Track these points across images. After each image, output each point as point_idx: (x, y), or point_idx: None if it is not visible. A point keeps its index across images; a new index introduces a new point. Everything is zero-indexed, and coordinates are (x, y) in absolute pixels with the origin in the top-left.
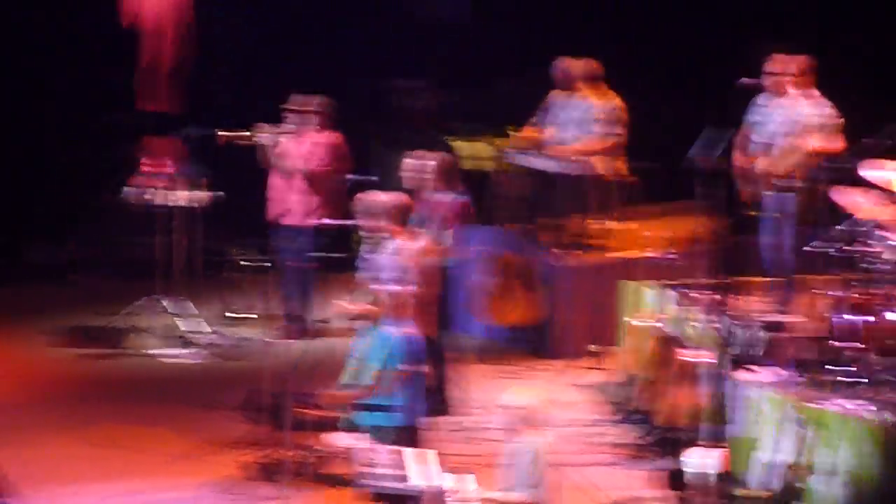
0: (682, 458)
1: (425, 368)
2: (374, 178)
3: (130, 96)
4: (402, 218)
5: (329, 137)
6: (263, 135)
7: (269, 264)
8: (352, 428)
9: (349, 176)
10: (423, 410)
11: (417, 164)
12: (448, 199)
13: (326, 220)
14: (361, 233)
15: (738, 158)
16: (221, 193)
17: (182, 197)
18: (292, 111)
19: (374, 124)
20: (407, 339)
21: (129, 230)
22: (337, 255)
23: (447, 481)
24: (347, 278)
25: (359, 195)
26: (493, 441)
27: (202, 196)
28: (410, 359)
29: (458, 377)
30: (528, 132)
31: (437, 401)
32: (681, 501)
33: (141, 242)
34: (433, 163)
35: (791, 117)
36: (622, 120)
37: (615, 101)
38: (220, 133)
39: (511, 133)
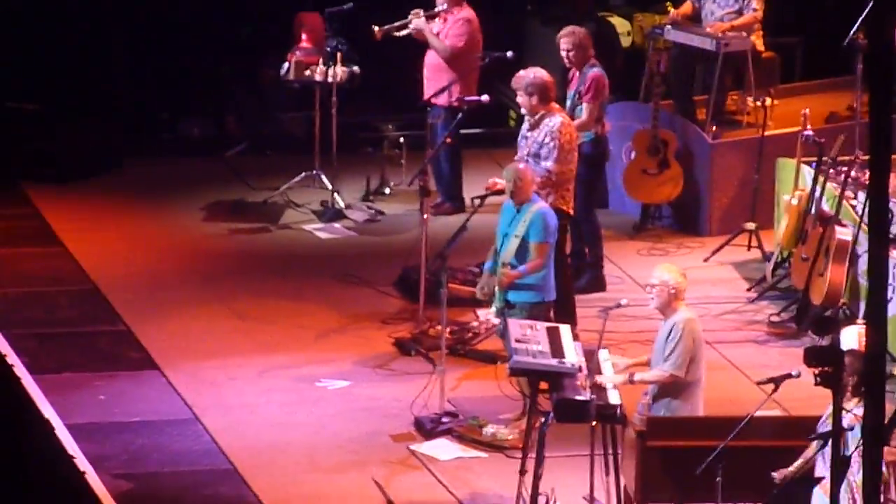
0: (838, 336)
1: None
2: (509, 54)
3: None
4: (553, 95)
5: (464, 13)
6: (419, 20)
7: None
8: (502, 304)
9: (489, 53)
10: (555, 286)
11: (569, 41)
12: (583, 72)
13: (468, 98)
14: (522, 110)
15: None
16: (357, 69)
17: (338, 73)
18: None
19: (529, 1)
20: (544, 213)
21: (287, 105)
22: (481, 132)
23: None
24: (501, 154)
25: (518, 73)
26: (638, 318)
27: (356, 72)
28: (551, 231)
29: (611, 255)
30: (684, 7)
31: (592, 277)
32: (829, 379)
33: (298, 117)
34: (583, 35)
35: None
36: None
37: None
38: (376, 28)
39: (669, 8)
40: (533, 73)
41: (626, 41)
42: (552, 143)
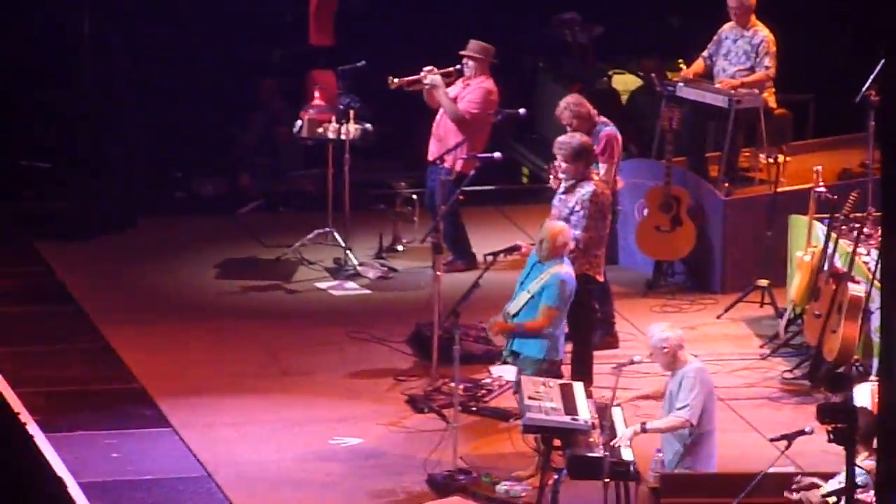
0: (851, 393)
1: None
2: (522, 111)
3: (302, 31)
4: (592, 160)
5: (487, 83)
6: (435, 77)
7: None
8: (514, 361)
9: (502, 111)
10: (563, 346)
11: (571, 113)
12: (597, 131)
13: (481, 155)
14: (560, 175)
15: None
16: (370, 126)
17: (350, 130)
18: (467, 56)
19: (541, 58)
20: (563, 280)
21: (300, 163)
22: (493, 188)
23: (615, 416)
24: (512, 210)
25: (560, 138)
26: (651, 374)
27: (368, 129)
28: (565, 299)
29: (623, 311)
30: (697, 65)
31: (604, 334)
32: (841, 436)
33: (311, 175)
34: (578, 103)
35: None
36: (774, 52)
37: (767, 33)
38: (392, 78)
39: (681, 66)
40: (577, 140)
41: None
42: (582, 211)
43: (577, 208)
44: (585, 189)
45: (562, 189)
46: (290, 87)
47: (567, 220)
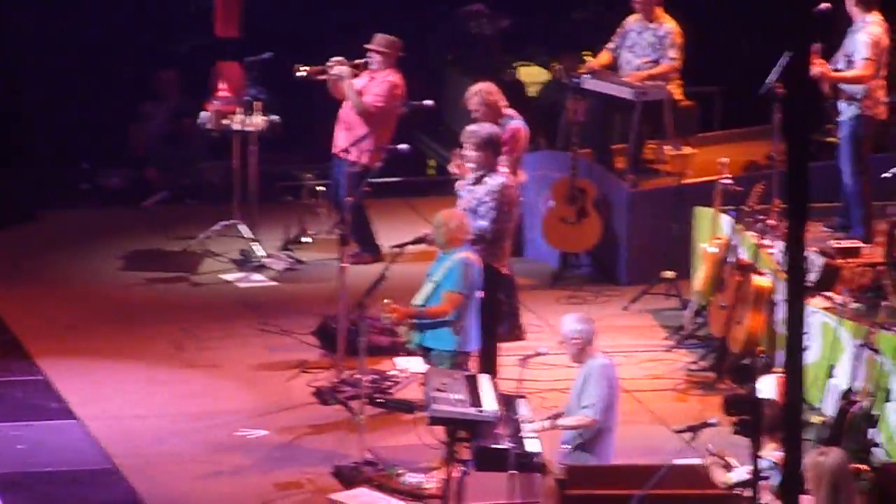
0: (755, 385)
1: (481, 294)
2: (429, 103)
3: (205, 22)
4: (501, 151)
5: (393, 77)
6: (342, 69)
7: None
8: (420, 351)
9: (409, 102)
10: (477, 337)
11: (480, 99)
12: (503, 123)
13: (388, 147)
14: (468, 164)
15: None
16: (277, 118)
17: (257, 122)
18: (373, 50)
19: (449, 50)
20: (467, 264)
21: (205, 155)
22: (400, 180)
23: (520, 407)
24: (420, 202)
25: (468, 126)
26: (557, 366)
27: (275, 121)
28: (468, 283)
29: (529, 303)
30: (602, 57)
31: (510, 327)
32: (747, 428)
33: (217, 167)
34: (489, 92)
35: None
36: (680, 44)
37: (672, 25)
38: (299, 67)
39: (587, 58)
40: (486, 130)
41: (543, 90)
42: (491, 202)
43: (487, 199)
44: (495, 180)
45: (470, 180)
46: (194, 78)
47: (475, 211)
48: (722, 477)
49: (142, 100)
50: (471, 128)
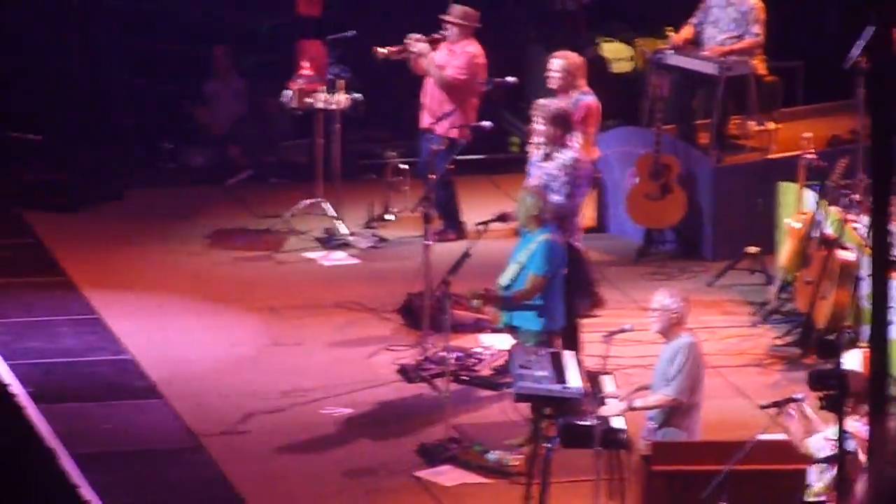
0: (841, 361)
1: (564, 272)
2: (512, 80)
3: (288, 1)
4: (572, 127)
5: (471, 47)
6: (421, 44)
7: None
8: (508, 330)
9: (492, 80)
10: (563, 315)
11: (563, 64)
12: (575, 100)
13: (472, 125)
14: (536, 138)
15: None
16: (360, 96)
17: (340, 100)
18: (449, 22)
19: (532, 26)
20: (551, 246)
21: (290, 133)
22: (483, 157)
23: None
24: (503, 179)
25: (539, 100)
26: (642, 342)
27: (358, 99)
28: (553, 264)
29: (614, 279)
30: (685, 32)
31: (590, 299)
32: (833, 403)
33: (301, 145)
34: (574, 62)
35: None
36: (763, 19)
37: (755, 0)
38: (377, 49)
39: (669, 33)
40: (556, 104)
41: (627, 66)
42: (564, 177)
43: (560, 174)
44: (566, 155)
45: (539, 156)
46: (277, 58)
47: (547, 187)
48: (800, 435)
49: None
50: (541, 101)
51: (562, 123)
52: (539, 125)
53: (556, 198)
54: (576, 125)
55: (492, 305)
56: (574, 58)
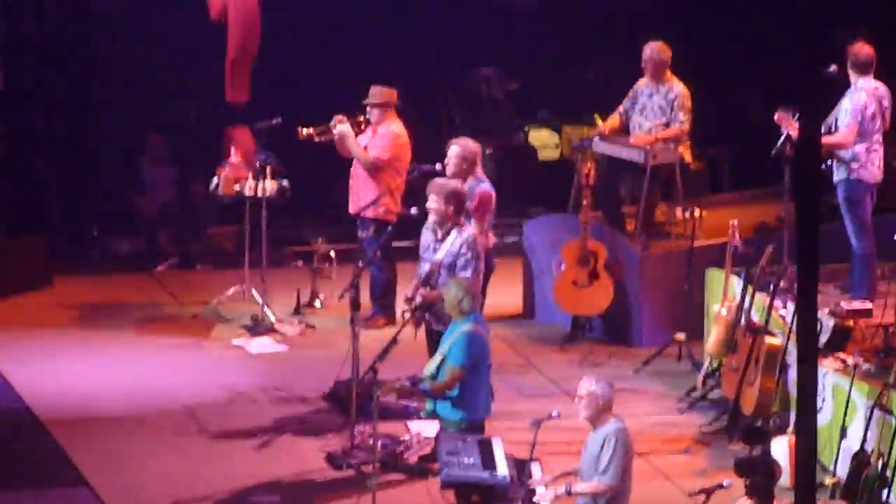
0: (769, 447)
1: (489, 363)
2: (438, 167)
3: (217, 88)
4: (462, 208)
5: (393, 126)
6: (344, 127)
7: (353, 253)
8: (434, 417)
9: (418, 167)
10: (486, 405)
11: (459, 151)
12: (471, 188)
13: (391, 213)
14: (432, 216)
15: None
16: (286, 183)
17: (268, 187)
18: (368, 104)
19: (456, 111)
20: (471, 337)
21: (217, 219)
22: (410, 244)
23: (533, 471)
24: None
25: (438, 179)
26: (570, 429)
27: (285, 186)
28: (473, 356)
29: (541, 366)
30: (612, 119)
31: None
32: (761, 490)
33: (228, 232)
34: (470, 150)
35: None
36: (689, 107)
37: (682, 88)
38: (302, 129)
39: (597, 121)
40: (453, 184)
41: (554, 153)
42: (469, 253)
43: (464, 250)
44: (466, 232)
45: (432, 237)
46: (206, 143)
47: (452, 265)
48: None
49: (140, 165)
50: (438, 180)
51: (455, 202)
52: (432, 203)
53: (465, 273)
54: (471, 213)
55: (410, 399)
56: (471, 145)
